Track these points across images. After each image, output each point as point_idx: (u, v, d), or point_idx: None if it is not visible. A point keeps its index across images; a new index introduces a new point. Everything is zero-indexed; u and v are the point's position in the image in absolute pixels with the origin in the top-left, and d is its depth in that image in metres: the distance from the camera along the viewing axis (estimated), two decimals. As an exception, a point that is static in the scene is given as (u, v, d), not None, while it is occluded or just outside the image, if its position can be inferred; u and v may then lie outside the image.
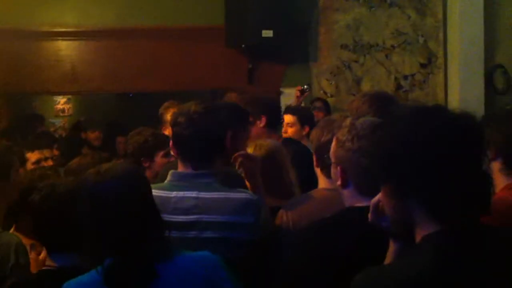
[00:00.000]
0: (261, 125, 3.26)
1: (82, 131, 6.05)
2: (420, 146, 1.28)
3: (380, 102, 2.60)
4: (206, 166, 2.14)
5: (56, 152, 4.43)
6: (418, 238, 1.32)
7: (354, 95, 5.31)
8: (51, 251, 1.97)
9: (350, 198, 1.84)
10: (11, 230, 2.53)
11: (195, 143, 2.12)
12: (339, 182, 1.85)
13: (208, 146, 2.14)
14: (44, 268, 1.99)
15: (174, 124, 2.18)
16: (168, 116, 3.75)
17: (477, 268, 1.25)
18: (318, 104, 4.99)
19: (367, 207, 1.76)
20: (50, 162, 3.80)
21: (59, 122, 7.54)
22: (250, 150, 2.69)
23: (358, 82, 5.41)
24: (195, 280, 1.72)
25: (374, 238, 1.69)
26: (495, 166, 2.21)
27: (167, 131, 3.63)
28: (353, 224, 1.76)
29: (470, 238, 1.29)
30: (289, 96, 5.39)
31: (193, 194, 2.10)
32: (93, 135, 5.84)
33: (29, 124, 5.41)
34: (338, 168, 1.84)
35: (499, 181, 2.20)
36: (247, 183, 2.37)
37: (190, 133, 2.11)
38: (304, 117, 4.18)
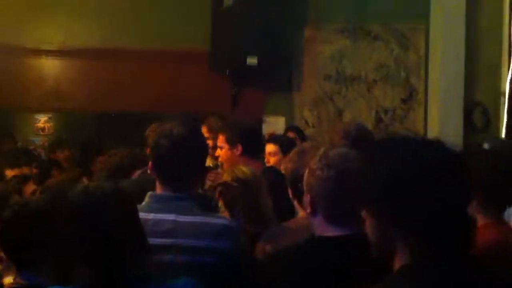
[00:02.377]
0: (237, 153, 3.25)
1: (51, 152, 5.90)
2: (408, 180, 1.29)
3: (356, 135, 2.63)
4: (185, 188, 2.13)
5: (34, 171, 4.38)
6: (396, 266, 1.33)
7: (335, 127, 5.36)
8: (20, 268, 1.94)
9: (319, 227, 1.84)
10: None
11: (177, 165, 2.11)
12: (308, 210, 1.86)
13: (189, 169, 2.14)
14: (12, 285, 1.96)
15: (155, 145, 2.17)
16: (152, 137, 3.75)
17: None
18: (291, 134, 4.96)
19: (334, 237, 1.78)
20: (29, 181, 3.76)
21: (38, 140, 7.46)
22: (226, 176, 2.69)
23: (339, 113, 5.46)
24: None
25: (340, 268, 1.70)
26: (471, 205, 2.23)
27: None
28: (319, 253, 1.76)
29: (447, 271, 1.29)
30: (271, 124, 5.42)
31: (171, 217, 2.09)
32: (62, 155, 5.65)
33: None
34: (308, 196, 1.86)
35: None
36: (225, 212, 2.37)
37: (172, 155, 2.11)
38: (286, 146, 4.18)
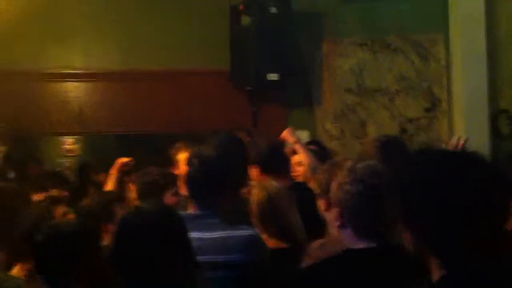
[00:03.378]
0: (256, 173, 3.23)
1: (90, 173, 6.00)
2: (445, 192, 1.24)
3: (389, 147, 2.63)
4: (212, 206, 2.21)
5: (65, 193, 4.42)
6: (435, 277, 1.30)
7: (358, 138, 5.33)
8: None
9: (348, 240, 1.86)
10: (15, 270, 2.52)
11: (204, 184, 2.21)
12: (337, 224, 1.87)
13: (215, 189, 2.22)
14: None
15: (188, 164, 2.30)
16: (178, 156, 3.78)
17: None
18: (312, 147, 4.94)
19: (363, 249, 1.79)
20: (59, 204, 3.78)
21: (66, 162, 7.56)
22: (256, 190, 2.71)
23: (362, 125, 5.43)
24: None
25: (370, 280, 1.70)
26: None
27: (178, 171, 3.64)
28: (349, 266, 1.76)
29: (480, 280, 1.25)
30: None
31: (197, 235, 2.12)
32: (100, 177, 5.77)
33: (22, 164, 5.38)
34: (337, 209, 1.87)
35: None
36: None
37: (200, 175, 2.21)
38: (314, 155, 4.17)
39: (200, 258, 2.08)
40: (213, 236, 2.15)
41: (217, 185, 2.21)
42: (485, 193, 1.23)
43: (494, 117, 5.29)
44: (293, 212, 2.68)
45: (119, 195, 3.47)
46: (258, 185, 2.76)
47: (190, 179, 2.26)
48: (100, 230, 2.31)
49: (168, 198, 3.18)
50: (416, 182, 1.29)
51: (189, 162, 2.30)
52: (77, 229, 1.94)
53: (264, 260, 2.18)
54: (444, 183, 1.24)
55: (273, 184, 2.76)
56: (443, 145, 3.83)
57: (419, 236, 1.29)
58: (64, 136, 7.36)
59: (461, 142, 2.54)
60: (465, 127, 5.22)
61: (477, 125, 5.19)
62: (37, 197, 3.81)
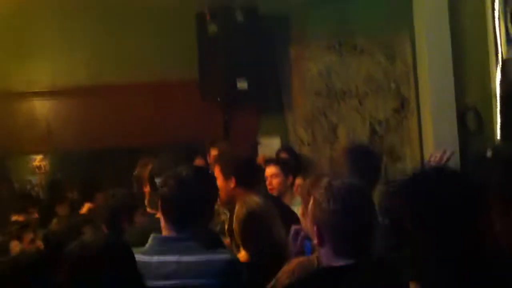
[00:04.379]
0: (232, 185, 3.22)
1: (60, 190, 5.89)
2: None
3: (357, 157, 2.65)
4: (189, 229, 2.15)
5: (34, 216, 4.36)
6: None
7: (330, 142, 5.35)
8: None
9: (326, 257, 1.85)
10: None
11: (183, 206, 2.14)
12: (315, 241, 1.86)
13: (195, 210, 2.16)
14: None
15: (163, 185, 2.21)
16: (146, 173, 3.73)
17: None
18: (284, 155, 4.91)
19: (342, 267, 1.79)
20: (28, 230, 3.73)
21: (35, 180, 7.43)
22: (239, 207, 2.69)
23: (334, 129, 5.46)
24: None
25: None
26: None
27: (146, 189, 3.60)
28: (327, 284, 1.76)
29: None
30: (266, 146, 5.41)
31: (174, 258, 2.10)
32: (69, 193, 5.67)
33: None
34: (315, 227, 1.86)
35: None
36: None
37: (179, 196, 2.14)
38: (287, 167, 4.17)
39: (176, 282, 2.06)
40: (191, 259, 2.10)
41: (195, 207, 2.15)
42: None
43: (462, 114, 5.36)
44: (276, 227, 2.66)
45: (88, 218, 3.43)
46: (240, 201, 2.73)
47: (166, 200, 2.17)
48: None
49: (138, 218, 3.14)
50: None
51: (165, 182, 2.21)
52: (39, 260, 1.95)
53: (241, 285, 2.15)
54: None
55: (255, 199, 2.74)
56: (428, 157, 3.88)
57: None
58: (33, 154, 7.28)
59: (446, 155, 2.55)
60: (434, 125, 5.28)
61: (446, 122, 5.26)
62: (13, 217, 3.77)
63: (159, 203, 2.22)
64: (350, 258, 1.79)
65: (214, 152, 4.57)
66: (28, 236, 3.44)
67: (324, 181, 1.92)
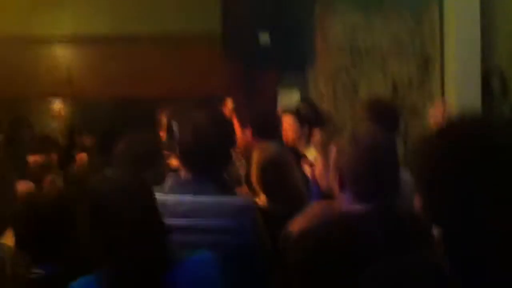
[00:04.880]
0: (248, 136, 3.27)
1: (76, 136, 5.97)
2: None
3: (377, 108, 2.63)
4: (205, 172, 2.16)
5: (54, 158, 4.40)
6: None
7: (350, 99, 5.31)
8: (37, 260, 1.97)
9: (347, 203, 1.85)
10: (6, 238, 2.51)
11: (198, 153, 2.14)
12: (336, 187, 1.86)
13: (212, 154, 2.16)
14: (32, 275, 1.98)
15: (180, 129, 2.22)
16: (165, 120, 3.76)
17: None
18: (303, 106, 4.92)
19: (362, 213, 1.79)
20: (48, 171, 3.77)
21: (55, 125, 7.53)
22: (256, 155, 2.70)
23: (355, 86, 5.40)
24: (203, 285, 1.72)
25: (368, 242, 1.70)
26: None
27: (164, 134, 3.64)
28: (347, 228, 1.77)
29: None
30: (285, 99, 5.38)
31: (189, 198, 2.10)
32: (83, 142, 5.73)
33: (13, 127, 5.32)
34: (337, 173, 1.86)
35: None
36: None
37: (194, 142, 2.14)
38: (303, 117, 4.18)
39: (190, 221, 2.07)
40: (207, 200, 2.11)
41: (211, 151, 2.15)
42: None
43: (487, 76, 5.26)
44: (295, 174, 2.67)
45: (108, 161, 3.45)
46: (259, 148, 2.74)
47: (183, 146, 2.18)
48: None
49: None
50: (435, 153, 1.27)
51: (181, 128, 2.22)
52: (57, 197, 1.94)
53: (259, 230, 2.16)
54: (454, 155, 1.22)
55: (273, 146, 2.75)
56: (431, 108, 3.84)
57: (426, 202, 1.28)
58: (53, 100, 7.34)
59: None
60: (457, 86, 5.19)
61: (470, 84, 5.16)
62: (32, 158, 3.80)
63: (177, 146, 2.22)
64: (371, 204, 1.79)
65: (229, 103, 4.59)
66: (48, 177, 3.47)
67: (348, 129, 1.93)
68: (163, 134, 3.70)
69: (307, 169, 3.16)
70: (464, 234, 1.22)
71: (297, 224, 2.16)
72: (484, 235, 1.21)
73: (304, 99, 5.26)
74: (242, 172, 3.49)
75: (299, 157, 3.34)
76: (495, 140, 1.24)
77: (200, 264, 1.75)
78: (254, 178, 2.70)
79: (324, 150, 2.24)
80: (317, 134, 4.28)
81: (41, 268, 1.95)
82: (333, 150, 1.91)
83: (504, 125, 1.36)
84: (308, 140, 4.20)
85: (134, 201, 1.71)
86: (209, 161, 2.16)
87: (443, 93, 5.29)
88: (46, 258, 1.95)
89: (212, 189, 2.14)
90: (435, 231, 1.34)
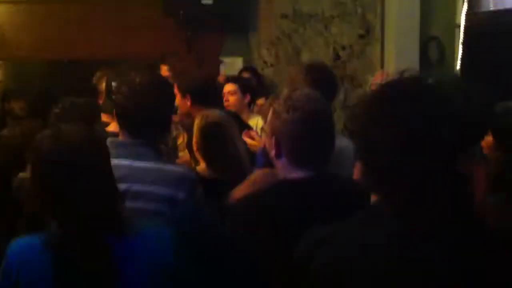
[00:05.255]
0: (188, 103, 3.22)
1: (5, 101, 5.68)
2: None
3: (315, 73, 2.63)
4: (143, 135, 2.11)
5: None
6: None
7: (293, 65, 5.31)
8: None
9: (283, 169, 1.84)
10: None
11: (136, 114, 2.09)
12: (273, 153, 1.84)
13: (150, 118, 2.11)
14: None
15: (116, 92, 2.15)
16: (102, 86, 3.65)
17: None
18: (246, 74, 4.92)
19: (299, 179, 1.79)
20: None
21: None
22: (198, 120, 2.67)
23: (297, 52, 5.40)
24: (151, 259, 1.66)
25: (307, 209, 1.71)
26: None
27: (102, 99, 3.55)
28: (285, 196, 1.76)
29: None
30: (228, 65, 5.33)
31: (127, 162, 2.06)
32: (17, 105, 5.45)
33: None
34: (273, 138, 1.84)
35: None
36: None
37: (132, 104, 2.08)
38: (245, 85, 4.19)
39: (127, 186, 1.99)
40: (145, 166, 2.07)
41: (149, 114, 2.10)
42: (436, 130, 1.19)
43: (425, 44, 5.38)
44: (237, 142, 2.66)
45: (44, 123, 3.34)
46: (199, 115, 2.71)
47: (120, 107, 2.12)
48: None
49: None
50: (374, 117, 1.25)
51: (118, 90, 2.15)
52: None
53: (198, 199, 2.13)
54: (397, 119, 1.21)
55: (215, 113, 2.72)
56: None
57: (369, 169, 1.27)
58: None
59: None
60: (396, 53, 5.28)
61: (408, 51, 5.26)
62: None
63: (114, 108, 2.17)
64: (308, 170, 1.78)
65: (164, 68, 4.52)
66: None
67: (284, 93, 1.91)
68: (101, 97, 3.61)
69: (248, 140, 3.15)
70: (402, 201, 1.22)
71: (239, 192, 2.16)
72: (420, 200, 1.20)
73: (247, 66, 5.24)
74: (180, 141, 3.46)
75: (242, 125, 3.32)
76: (431, 101, 1.23)
77: (153, 239, 1.68)
78: (195, 144, 2.68)
79: (266, 119, 2.23)
80: (260, 103, 4.29)
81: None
82: (269, 114, 1.89)
83: (440, 85, 1.36)
84: (250, 108, 4.20)
85: (88, 153, 1.62)
86: (147, 123, 2.10)
87: (382, 61, 5.37)
88: None
89: (150, 154, 2.10)
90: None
